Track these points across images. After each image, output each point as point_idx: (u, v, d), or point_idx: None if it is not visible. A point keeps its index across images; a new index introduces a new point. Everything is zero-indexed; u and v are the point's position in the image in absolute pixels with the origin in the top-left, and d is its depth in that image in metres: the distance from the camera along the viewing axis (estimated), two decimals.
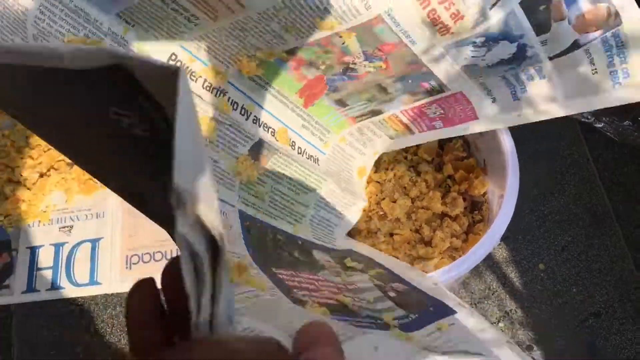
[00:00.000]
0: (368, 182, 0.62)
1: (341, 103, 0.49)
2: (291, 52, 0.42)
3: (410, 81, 0.45)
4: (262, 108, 0.48)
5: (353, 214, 0.57)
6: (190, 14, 0.39)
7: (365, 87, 0.47)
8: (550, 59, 0.41)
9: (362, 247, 0.55)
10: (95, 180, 0.42)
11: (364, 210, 0.62)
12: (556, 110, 0.45)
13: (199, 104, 0.44)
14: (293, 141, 0.51)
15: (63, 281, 0.48)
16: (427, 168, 0.64)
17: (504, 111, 0.48)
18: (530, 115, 0.47)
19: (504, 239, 0.75)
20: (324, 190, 0.53)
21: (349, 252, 0.53)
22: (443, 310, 0.45)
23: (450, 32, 0.39)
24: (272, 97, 0.48)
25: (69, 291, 0.48)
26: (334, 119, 0.51)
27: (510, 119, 0.49)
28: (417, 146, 0.66)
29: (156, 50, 0.41)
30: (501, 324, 0.71)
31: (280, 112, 0.49)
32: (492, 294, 0.73)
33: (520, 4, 0.37)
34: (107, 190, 0.37)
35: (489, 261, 0.74)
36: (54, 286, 0.48)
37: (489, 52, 0.40)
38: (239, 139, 0.46)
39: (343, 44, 0.40)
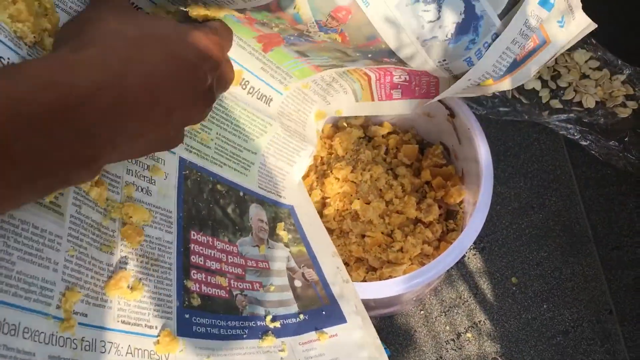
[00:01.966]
0: (344, 182, 0.62)
1: (302, 54, 0.47)
2: (241, 11, 0.41)
3: (370, 55, 0.44)
4: None
5: (303, 159, 0.56)
6: None
7: (325, 48, 0.45)
8: (500, 17, 0.40)
9: (307, 206, 0.54)
10: None
11: (337, 210, 0.61)
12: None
13: None
14: (247, 81, 0.49)
15: None
16: (405, 172, 0.63)
17: (459, 87, 0.46)
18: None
19: (480, 249, 0.75)
20: (270, 135, 0.52)
21: (288, 213, 0.52)
22: (333, 316, 0.46)
23: None
24: None
25: None
26: (295, 65, 0.50)
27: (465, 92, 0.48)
28: (397, 149, 0.65)
29: None
30: (469, 334, 0.71)
31: (237, 54, 0.47)
32: (463, 304, 0.73)
33: None
34: None
35: (463, 270, 0.74)
36: None
37: (441, 13, 0.39)
38: None
39: (294, 9, 0.38)
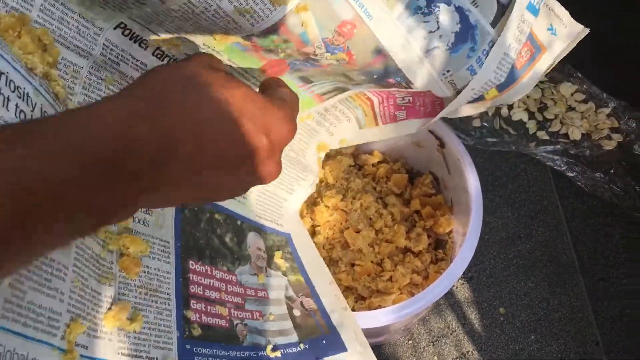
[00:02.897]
0: (334, 210, 0.62)
1: (306, 80, 0.48)
2: (248, 39, 0.41)
3: (375, 76, 0.45)
4: None
5: (303, 188, 0.55)
6: None
7: (329, 72, 0.46)
8: (492, 26, 0.42)
9: (302, 236, 0.54)
10: None
11: (327, 239, 0.61)
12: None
13: (135, 76, 0.41)
14: None
15: None
16: (394, 201, 0.63)
17: (464, 99, 0.47)
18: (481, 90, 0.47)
19: (468, 279, 0.75)
20: None
21: (286, 241, 0.52)
22: (334, 345, 0.45)
23: None
24: (232, 69, 0.46)
25: None
26: (299, 95, 0.50)
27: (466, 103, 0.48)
28: (387, 177, 0.66)
29: (102, 18, 0.39)
30: None
31: None
32: (451, 333, 0.72)
33: None
34: None
35: (451, 299, 0.74)
36: None
37: (439, 24, 0.41)
38: None
39: (302, 26, 0.39)
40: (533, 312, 0.73)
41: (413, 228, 0.63)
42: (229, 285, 0.43)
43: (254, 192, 0.50)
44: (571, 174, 0.79)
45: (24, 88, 0.31)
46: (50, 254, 0.29)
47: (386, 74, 0.44)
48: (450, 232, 0.62)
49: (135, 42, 0.41)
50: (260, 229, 0.50)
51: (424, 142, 0.61)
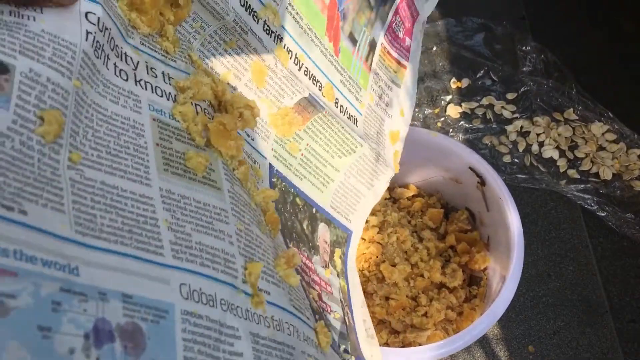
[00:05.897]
0: (370, 242, 0.62)
1: (352, 39, 0.50)
2: None
3: None
4: (310, 58, 0.46)
5: (382, 184, 0.53)
6: None
7: (358, 2, 0.50)
8: None
9: (357, 240, 0.52)
10: None
11: (360, 271, 0.61)
12: None
13: (258, 48, 0.42)
14: (337, 98, 0.49)
15: None
16: (430, 235, 0.64)
17: None
18: None
19: None
20: (358, 154, 0.50)
21: (346, 239, 0.50)
22: None
23: None
24: (314, 45, 0.46)
25: None
26: (356, 68, 0.51)
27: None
28: (423, 212, 0.66)
29: None
30: None
31: (324, 64, 0.48)
32: None
33: None
34: None
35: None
36: None
37: None
38: (288, 91, 0.44)
39: None
40: (562, 351, 0.73)
41: (448, 263, 0.63)
42: (310, 273, 0.41)
43: (335, 182, 0.49)
44: (602, 214, 0.79)
45: (121, 47, 0.31)
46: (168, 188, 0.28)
47: None
48: (485, 269, 0.62)
49: (250, 14, 0.41)
50: (329, 222, 0.48)
51: (462, 179, 0.61)
